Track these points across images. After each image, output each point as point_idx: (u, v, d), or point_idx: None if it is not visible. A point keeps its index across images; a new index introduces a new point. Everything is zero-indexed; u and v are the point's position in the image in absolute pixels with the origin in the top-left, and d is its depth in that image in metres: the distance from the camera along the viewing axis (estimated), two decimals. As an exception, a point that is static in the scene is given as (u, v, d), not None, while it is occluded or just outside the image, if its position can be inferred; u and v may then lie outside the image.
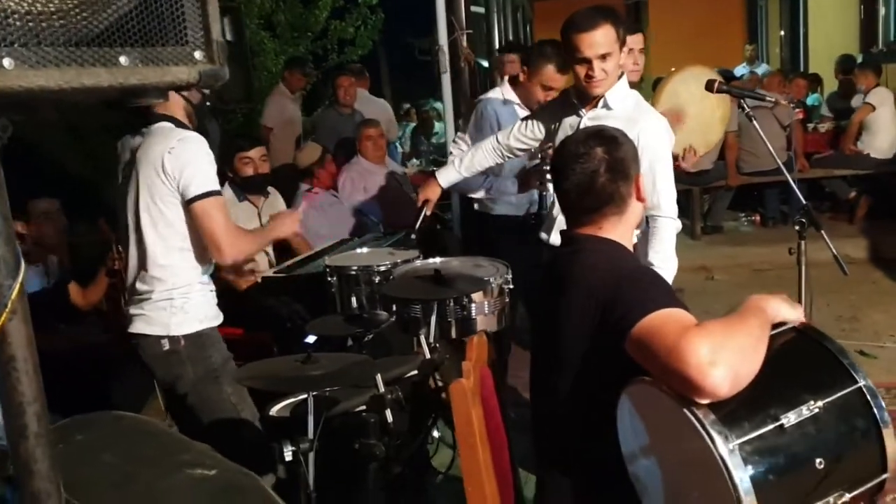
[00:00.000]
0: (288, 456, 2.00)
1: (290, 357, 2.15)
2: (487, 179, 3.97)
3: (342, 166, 5.33)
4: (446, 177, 3.43)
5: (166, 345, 2.64)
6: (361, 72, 7.95)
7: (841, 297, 5.55)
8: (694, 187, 7.23)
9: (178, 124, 2.64)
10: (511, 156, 3.39)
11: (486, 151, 3.37)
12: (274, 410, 2.61)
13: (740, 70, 11.70)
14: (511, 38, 15.30)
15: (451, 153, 3.99)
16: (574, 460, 1.96)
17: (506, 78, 4.26)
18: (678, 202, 8.00)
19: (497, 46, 12.17)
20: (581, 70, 2.78)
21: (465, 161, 3.41)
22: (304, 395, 2.11)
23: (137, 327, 2.67)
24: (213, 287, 2.78)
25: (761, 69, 11.28)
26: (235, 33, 6.26)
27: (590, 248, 1.91)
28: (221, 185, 4.19)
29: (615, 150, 1.91)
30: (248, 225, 4.22)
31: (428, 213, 3.48)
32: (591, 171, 1.89)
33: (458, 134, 4.43)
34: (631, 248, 2.00)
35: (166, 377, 2.72)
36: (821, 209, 7.73)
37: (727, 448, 1.44)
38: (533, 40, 13.43)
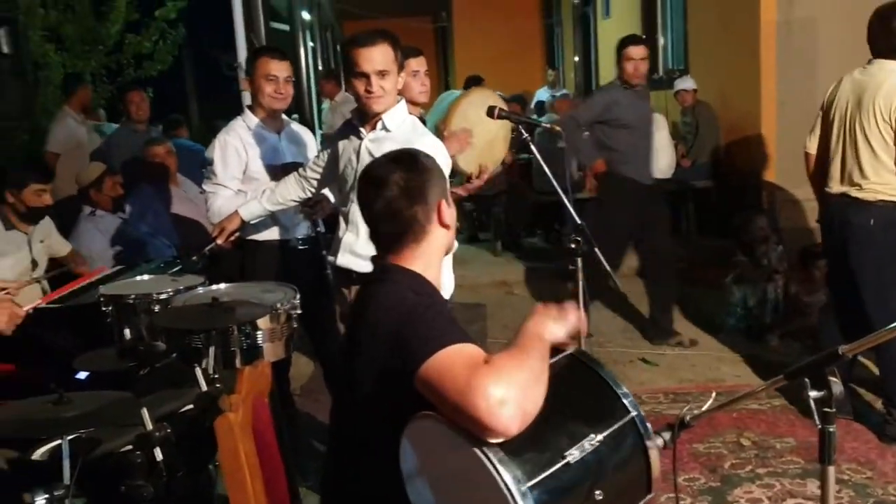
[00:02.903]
0: (41, 505, 1.85)
1: (43, 398, 2.00)
2: None
3: (132, 187, 5.07)
4: (248, 210, 3.34)
5: None
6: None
7: (626, 308, 5.93)
8: (493, 208, 7.52)
9: None
10: (312, 189, 3.30)
11: (289, 184, 3.31)
12: (38, 454, 2.41)
13: (543, 93, 12.28)
14: (319, 57, 15.30)
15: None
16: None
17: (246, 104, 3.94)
18: (481, 221, 8.23)
19: (304, 65, 12.11)
20: (360, 85, 2.81)
21: (266, 194, 3.34)
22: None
23: None
24: None
25: (561, 93, 11.89)
26: (13, 45, 5.87)
27: (388, 278, 1.86)
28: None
29: (414, 174, 1.87)
30: (18, 253, 3.94)
31: (220, 242, 3.37)
32: (388, 197, 1.85)
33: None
34: (437, 276, 1.94)
35: None
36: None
37: (519, 491, 1.47)
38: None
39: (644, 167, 5.22)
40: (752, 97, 6.79)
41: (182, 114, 8.95)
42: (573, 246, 3.22)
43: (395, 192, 1.85)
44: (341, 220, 3.10)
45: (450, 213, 1.93)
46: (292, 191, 3.32)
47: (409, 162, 1.91)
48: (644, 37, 9.49)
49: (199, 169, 5.75)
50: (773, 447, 3.74)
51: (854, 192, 3.71)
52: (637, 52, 5.07)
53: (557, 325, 1.73)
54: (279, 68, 3.54)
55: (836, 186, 3.81)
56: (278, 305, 2.93)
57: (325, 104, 10.50)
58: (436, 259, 1.94)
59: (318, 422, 4.10)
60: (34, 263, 4.01)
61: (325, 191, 3.46)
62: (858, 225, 3.70)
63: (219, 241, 3.36)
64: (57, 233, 4.31)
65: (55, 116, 6.85)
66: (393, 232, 1.88)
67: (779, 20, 6.37)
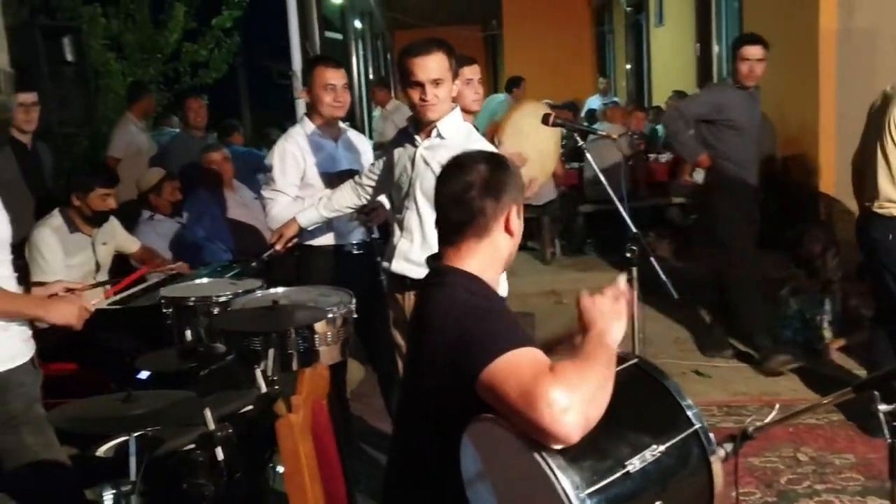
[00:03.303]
0: (108, 500, 1.91)
1: (111, 396, 2.05)
2: None
3: (189, 192, 5.18)
4: (306, 216, 3.41)
5: None
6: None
7: (679, 319, 5.86)
8: (544, 217, 7.51)
9: None
10: (368, 196, 3.34)
11: (345, 191, 3.37)
12: (102, 450, 2.48)
13: (594, 101, 12.21)
14: (371, 65, 15.46)
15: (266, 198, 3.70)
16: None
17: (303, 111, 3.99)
18: (530, 231, 8.11)
19: (356, 73, 12.26)
20: (415, 94, 2.85)
21: (323, 201, 3.40)
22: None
23: None
24: (18, 323, 2.51)
25: (611, 101, 11.82)
26: (77, 54, 6.01)
27: (447, 282, 1.86)
28: (47, 209, 4.03)
29: (497, 171, 1.89)
30: (82, 255, 4.04)
31: (279, 248, 3.44)
32: (466, 182, 1.86)
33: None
34: (494, 282, 1.92)
35: None
36: (662, 235, 8.20)
37: (578, 497, 1.47)
38: (393, 69, 13.64)
39: (753, 172, 5.05)
40: (810, 107, 6.65)
41: (237, 119, 9.11)
42: (628, 255, 3.19)
43: (474, 178, 1.86)
44: (395, 226, 3.13)
45: (517, 223, 1.92)
46: (348, 198, 3.37)
47: (496, 160, 1.94)
48: (698, 44, 9.41)
49: (254, 174, 5.88)
50: (831, 463, 3.67)
51: (875, 207, 3.72)
52: (753, 52, 4.81)
53: (619, 327, 1.72)
54: (336, 76, 3.60)
55: (864, 200, 3.83)
56: (335, 309, 2.96)
57: (377, 112, 10.62)
58: (494, 263, 1.92)
59: (369, 426, 4.14)
60: (98, 265, 4.11)
61: (382, 198, 3.50)
62: (878, 239, 3.72)
63: (277, 248, 3.43)
64: (123, 231, 4.41)
65: (117, 122, 7.01)
66: (458, 220, 1.88)
67: (839, 28, 6.25)
